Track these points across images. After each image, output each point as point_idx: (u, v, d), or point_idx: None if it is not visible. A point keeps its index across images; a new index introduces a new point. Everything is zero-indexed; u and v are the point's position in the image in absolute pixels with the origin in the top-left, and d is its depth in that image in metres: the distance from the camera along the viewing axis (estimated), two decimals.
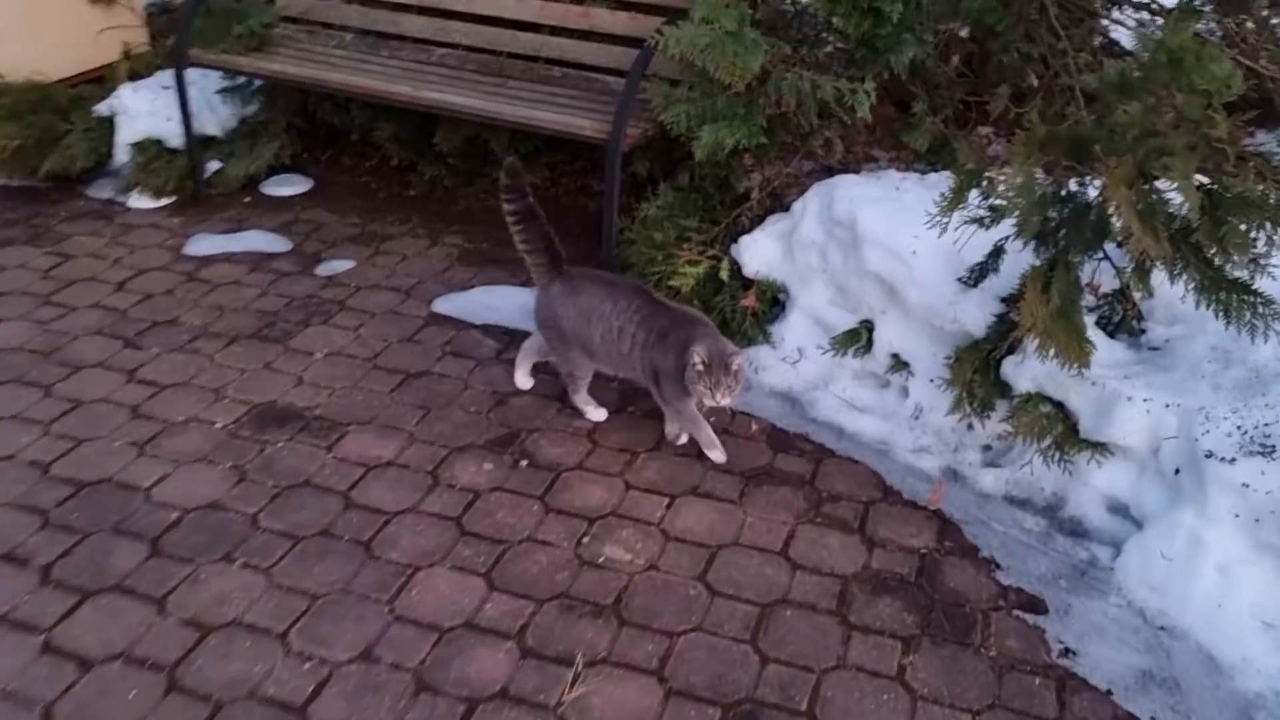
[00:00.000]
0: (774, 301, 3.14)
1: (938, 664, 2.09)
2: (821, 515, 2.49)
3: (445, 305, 3.39)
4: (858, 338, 2.93)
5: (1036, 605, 2.24)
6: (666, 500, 2.52)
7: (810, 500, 2.54)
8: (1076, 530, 2.44)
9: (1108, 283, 2.71)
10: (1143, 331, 2.68)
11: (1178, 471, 2.31)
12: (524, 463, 2.64)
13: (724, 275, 3.15)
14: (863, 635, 2.15)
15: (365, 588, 2.23)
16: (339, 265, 3.62)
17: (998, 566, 2.35)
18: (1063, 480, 2.50)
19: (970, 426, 2.65)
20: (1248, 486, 2.17)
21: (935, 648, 2.13)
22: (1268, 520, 2.13)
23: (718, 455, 2.63)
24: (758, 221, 3.24)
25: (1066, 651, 2.13)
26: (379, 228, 3.90)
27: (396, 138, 4.22)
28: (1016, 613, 2.22)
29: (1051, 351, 2.39)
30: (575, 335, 2.67)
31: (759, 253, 3.12)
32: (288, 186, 4.20)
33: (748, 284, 3.14)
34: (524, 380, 2.92)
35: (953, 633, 2.16)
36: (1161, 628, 2.17)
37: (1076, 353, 2.39)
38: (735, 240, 3.19)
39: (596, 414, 2.81)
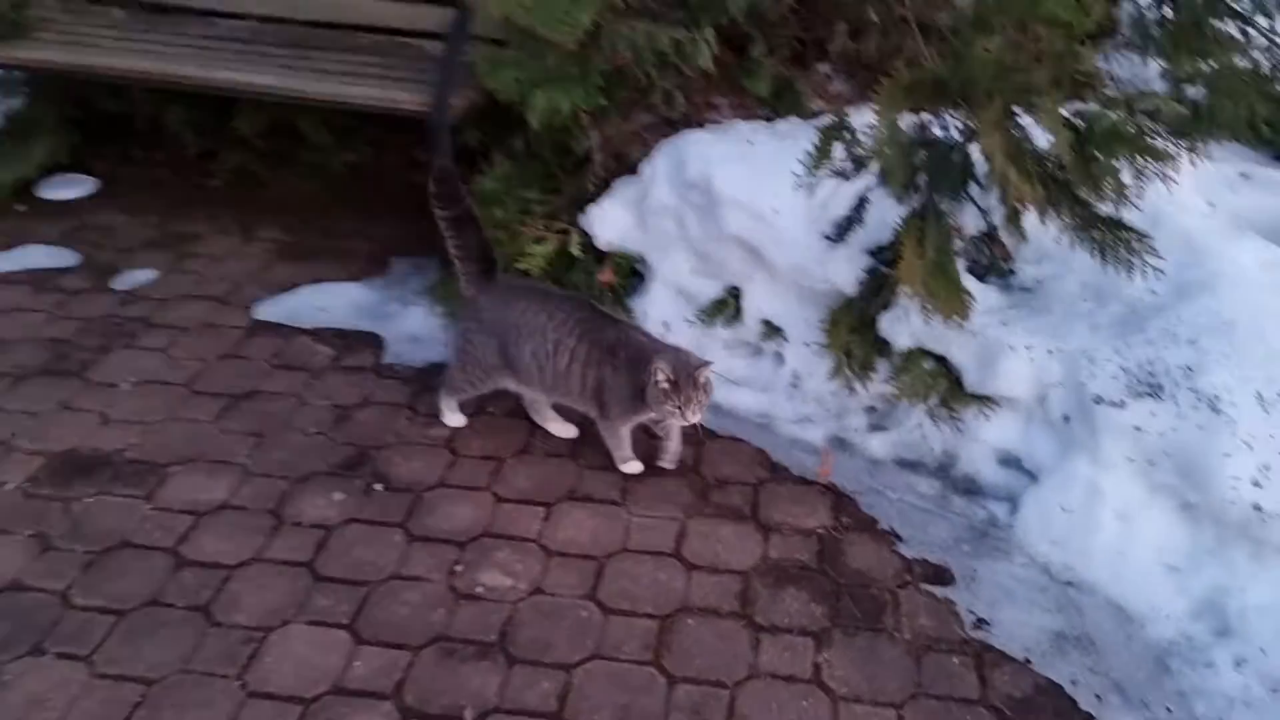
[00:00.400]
0: (633, 273, 2.93)
1: (853, 657, 1.96)
2: (711, 505, 2.32)
3: (268, 310, 3.04)
4: (725, 306, 2.76)
5: (943, 576, 2.14)
6: (543, 510, 2.30)
7: (696, 489, 2.37)
8: (971, 489, 2.35)
9: (972, 224, 2.62)
10: (1012, 273, 2.60)
11: (1067, 419, 2.25)
12: (378, 486, 2.37)
13: (575, 250, 2.92)
14: (772, 637, 2.00)
15: (209, 662, 1.93)
16: (139, 276, 3.20)
17: (898, 538, 2.24)
18: (952, 438, 2.40)
19: (852, 390, 2.53)
20: (1140, 430, 2.11)
21: (848, 639, 1.99)
22: (1162, 462, 2.08)
23: (633, 468, 2.41)
24: (604, 187, 3.02)
25: (979, 622, 2.03)
26: (182, 227, 3.49)
27: (191, 123, 3.79)
28: (924, 586, 2.11)
29: (932, 308, 2.27)
30: (500, 351, 2.39)
31: (610, 223, 2.90)
32: (69, 188, 3.71)
33: (602, 257, 2.93)
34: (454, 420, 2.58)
35: (864, 619, 2.04)
36: (1069, 583, 2.10)
37: (957, 305, 2.28)
38: (583, 210, 2.96)
39: (455, 419, 2.55)
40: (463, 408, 2.56)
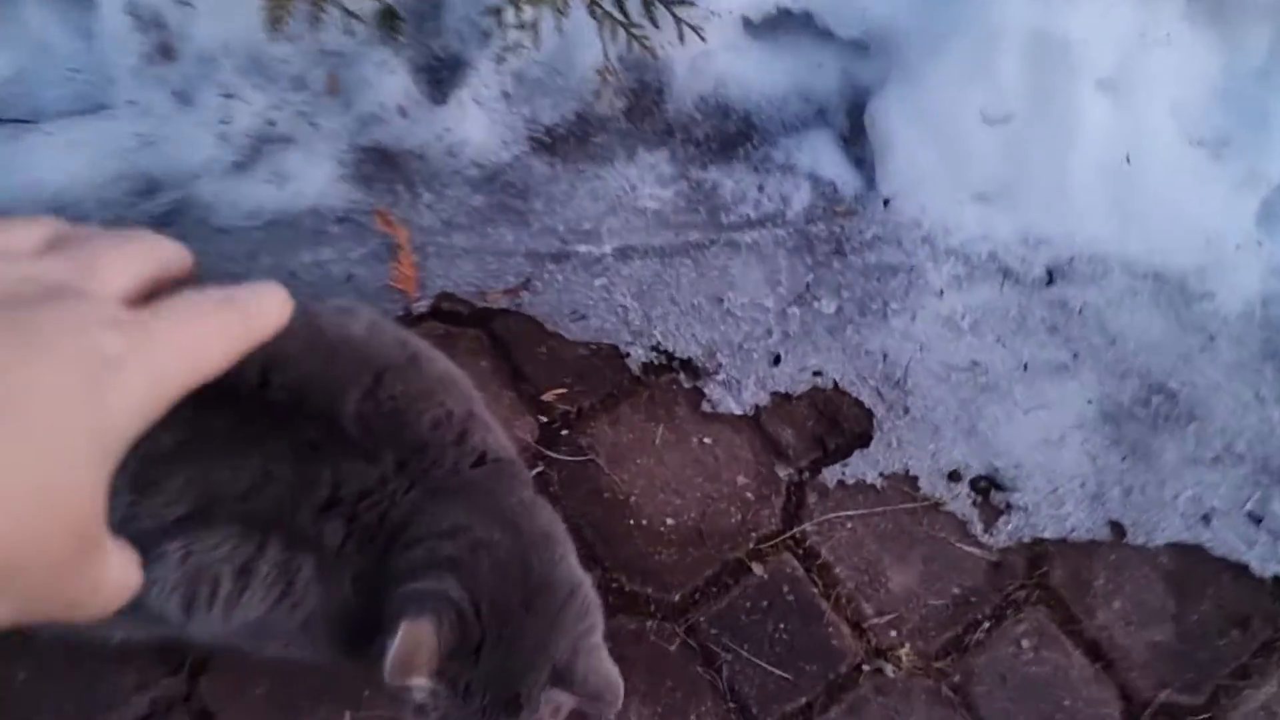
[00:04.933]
0: None
1: None
2: None
3: None
4: None
5: (861, 431, 0.88)
6: None
7: None
8: (745, 130, 0.97)
9: None
10: None
11: None
12: None
13: None
14: None
15: None
16: None
17: (700, 388, 0.88)
18: (657, 35, 0.92)
19: (347, 33, 0.87)
20: None
21: None
22: None
23: None
24: None
25: (995, 504, 0.86)
26: None
27: None
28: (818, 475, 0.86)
29: None
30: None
31: None
32: None
33: None
34: None
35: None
36: (1051, 278, 0.95)
37: None
38: None
39: None
40: None
